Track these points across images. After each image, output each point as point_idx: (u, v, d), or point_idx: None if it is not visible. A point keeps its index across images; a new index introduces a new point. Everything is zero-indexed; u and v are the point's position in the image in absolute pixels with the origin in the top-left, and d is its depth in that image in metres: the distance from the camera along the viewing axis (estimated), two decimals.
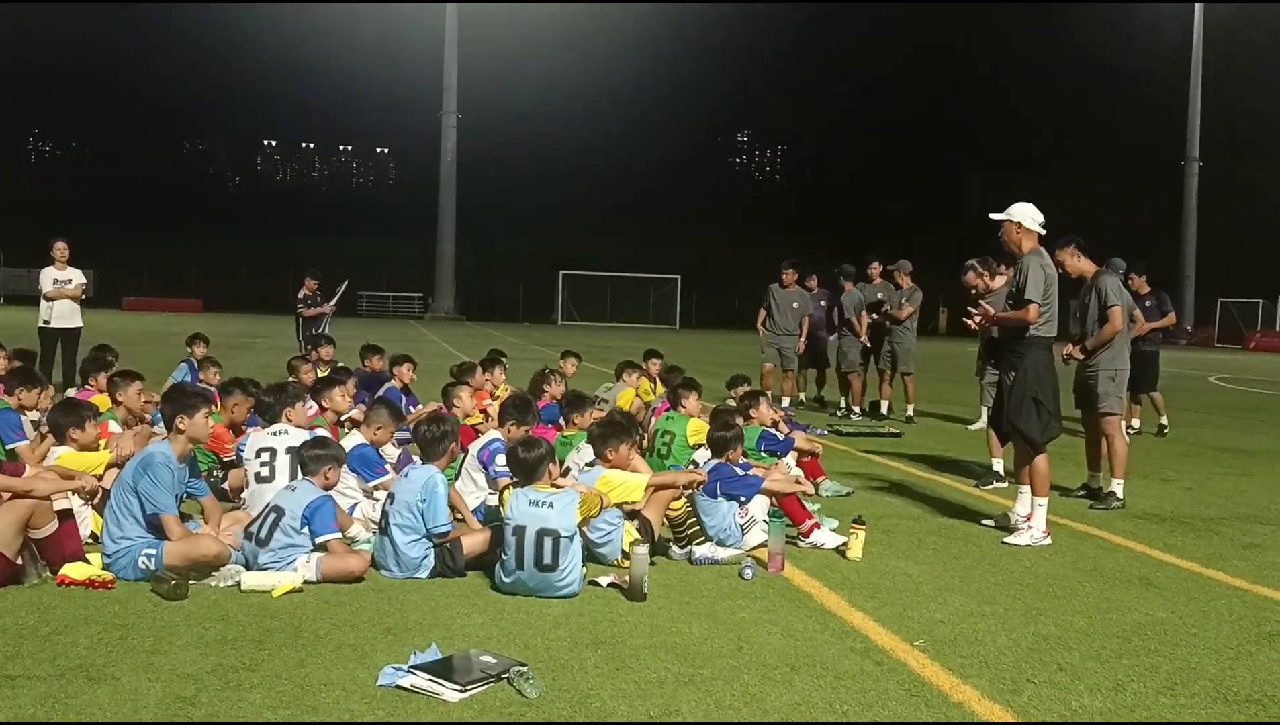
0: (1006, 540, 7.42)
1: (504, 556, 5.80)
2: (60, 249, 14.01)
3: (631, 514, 6.60)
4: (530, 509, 5.77)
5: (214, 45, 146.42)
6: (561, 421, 8.75)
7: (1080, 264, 9.04)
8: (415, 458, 7.04)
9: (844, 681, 4.55)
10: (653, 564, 5.96)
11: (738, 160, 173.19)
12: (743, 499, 6.96)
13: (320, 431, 7.61)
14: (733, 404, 9.59)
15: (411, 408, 10.67)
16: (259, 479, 6.93)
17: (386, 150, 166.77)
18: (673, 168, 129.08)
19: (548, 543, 5.68)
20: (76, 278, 14.11)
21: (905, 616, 5.57)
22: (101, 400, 9.23)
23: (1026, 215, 7.58)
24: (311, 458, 6.31)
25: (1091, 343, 8.89)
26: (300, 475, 6.34)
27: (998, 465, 9.81)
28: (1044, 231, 7.71)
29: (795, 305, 14.94)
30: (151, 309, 47.24)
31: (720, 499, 6.93)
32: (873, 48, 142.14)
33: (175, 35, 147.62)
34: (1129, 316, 9.28)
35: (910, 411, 14.69)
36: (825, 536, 7.02)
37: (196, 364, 12.82)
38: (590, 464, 7.05)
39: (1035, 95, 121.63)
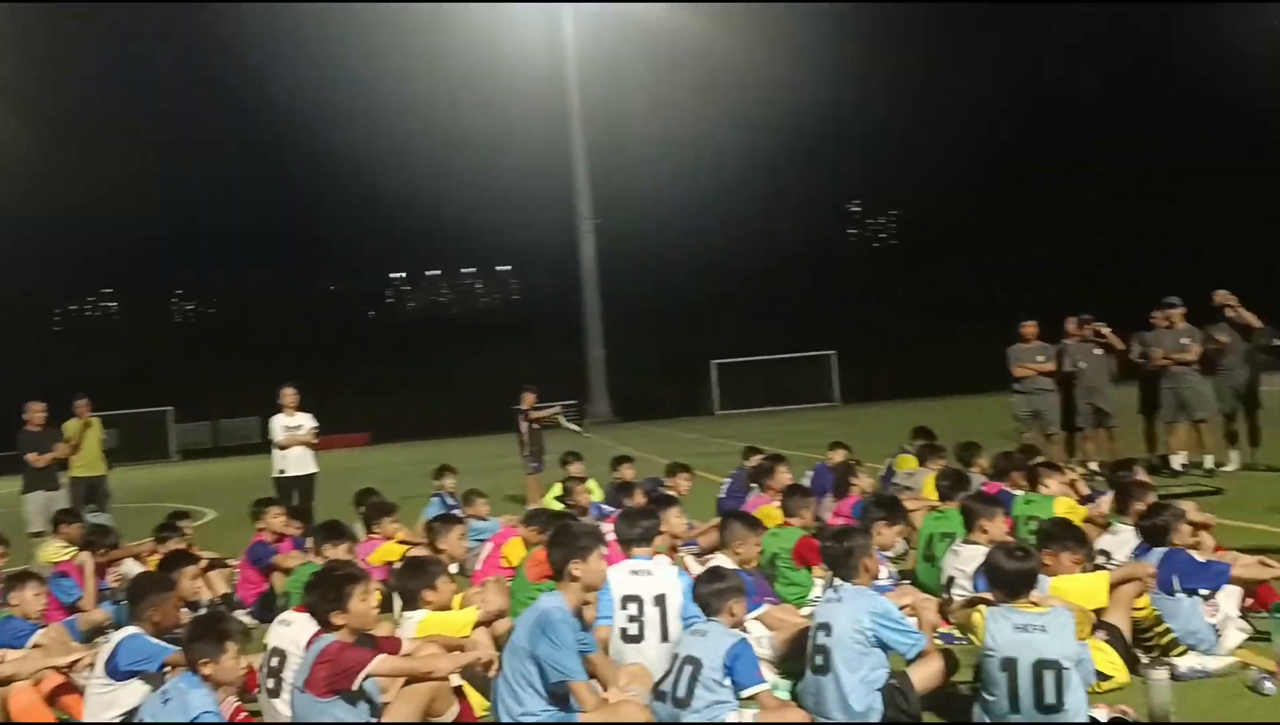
0: None
1: (989, 697, 4.75)
2: (289, 395, 13.66)
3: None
4: (1019, 635, 4.70)
5: (329, 191, 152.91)
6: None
7: None
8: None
9: None
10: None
11: (852, 231, 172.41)
12: (1206, 592, 5.77)
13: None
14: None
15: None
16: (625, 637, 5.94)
17: (508, 267, 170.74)
18: (799, 246, 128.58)
19: (1048, 677, 4.61)
20: (307, 423, 13.73)
21: None
22: (391, 549, 8.59)
23: None
24: (712, 594, 5.39)
25: None
26: (704, 616, 5.40)
27: None
28: None
29: (1097, 353, 14.01)
30: (321, 448, 47.67)
31: (1180, 594, 5.75)
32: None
33: (288, 182, 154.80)
34: None
35: (1210, 462, 13.17)
36: None
37: (449, 497, 12.25)
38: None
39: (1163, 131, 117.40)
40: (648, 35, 63.29)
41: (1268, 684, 5.06)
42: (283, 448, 13.61)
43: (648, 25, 58.92)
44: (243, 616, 8.57)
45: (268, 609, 8.41)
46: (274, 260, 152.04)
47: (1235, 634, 5.72)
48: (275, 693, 5.31)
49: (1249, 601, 5.99)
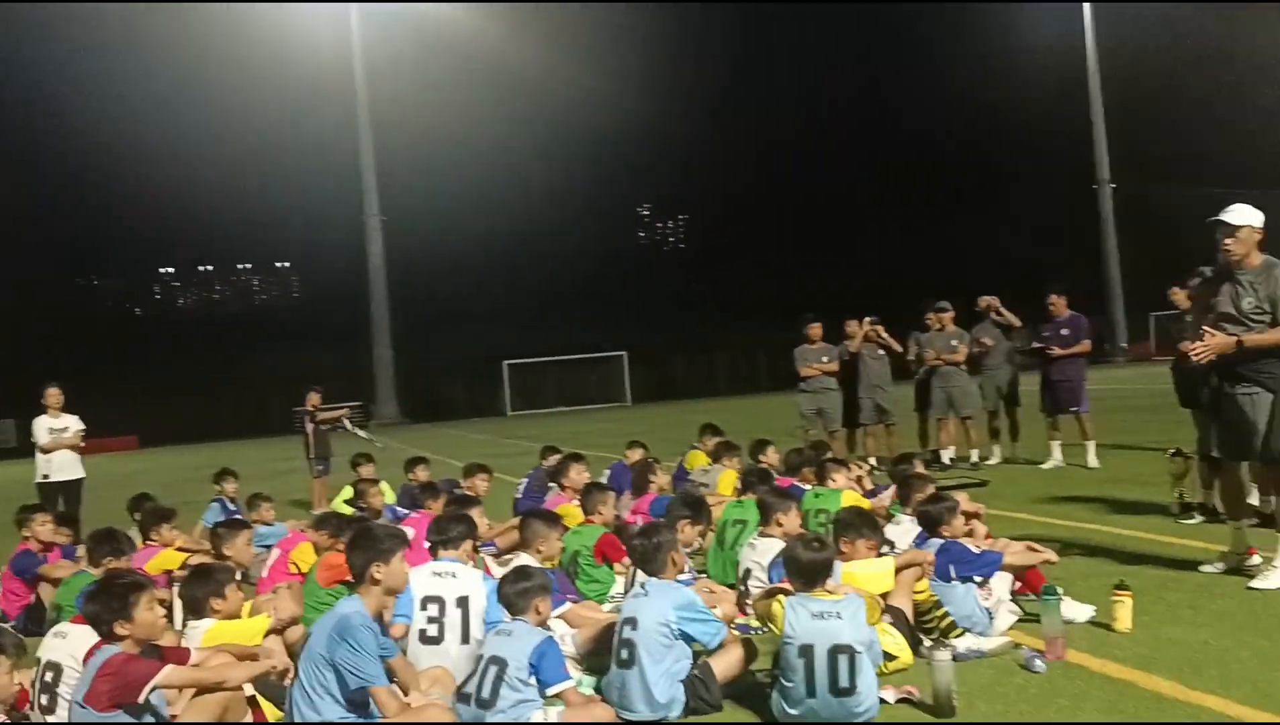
0: (1253, 585, 6.69)
1: (787, 683, 4.92)
2: (53, 395, 12.76)
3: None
4: (816, 623, 4.89)
5: (90, 181, 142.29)
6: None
7: None
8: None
9: None
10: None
11: (642, 234, 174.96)
12: (980, 579, 6.15)
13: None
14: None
15: None
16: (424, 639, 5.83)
17: (287, 264, 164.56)
18: (589, 249, 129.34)
19: (842, 662, 4.82)
20: (74, 425, 12.89)
21: (1261, 688, 4.87)
22: (170, 556, 8.18)
23: (1259, 218, 6.85)
24: (518, 593, 5.36)
25: None
26: (509, 616, 5.36)
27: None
28: None
29: (880, 353, 14.73)
30: (87, 452, 44.68)
31: (955, 582, 6.11)
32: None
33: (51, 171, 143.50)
34: None
35: (976, 456, 14.07)
36: (1072, 609, 6.22)
37: (230, 502, 11.74)
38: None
39: (925, 136, 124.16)
40: (439, 35, 62.43)
41: (1038, 662, 5.43)
42: (46, 451, 12.76)
43: (438, 25, 58.09)
44: None
45: (34, 622, 7.89)
46: (27, 252, 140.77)
47: (1007, 616, 6.12)
48: (50, 709, 4.96)
49: (1019, 585, 6.42)
